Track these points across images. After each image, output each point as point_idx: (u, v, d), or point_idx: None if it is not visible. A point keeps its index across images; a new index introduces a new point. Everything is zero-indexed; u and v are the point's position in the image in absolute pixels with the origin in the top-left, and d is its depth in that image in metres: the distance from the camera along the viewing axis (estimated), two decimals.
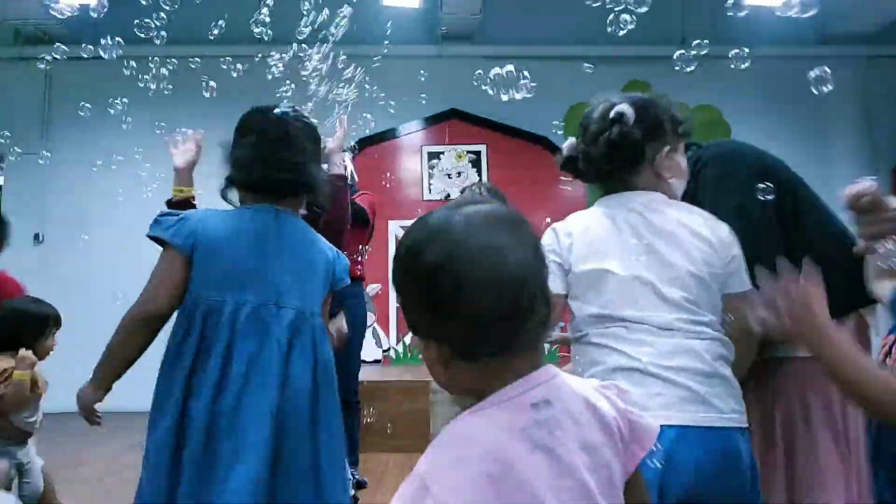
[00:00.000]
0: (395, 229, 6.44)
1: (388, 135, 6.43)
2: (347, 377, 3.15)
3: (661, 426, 0.97)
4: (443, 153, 6.32)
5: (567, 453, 0.67)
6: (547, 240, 1.30)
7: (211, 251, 1.44)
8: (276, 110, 1.56)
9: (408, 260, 0.73)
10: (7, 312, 2.24)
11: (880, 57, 6.84)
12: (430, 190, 6.31)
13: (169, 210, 1.56)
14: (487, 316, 0.68)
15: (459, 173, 6.27)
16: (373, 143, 6.17)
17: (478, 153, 6.29)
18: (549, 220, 1.45)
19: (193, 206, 1.84)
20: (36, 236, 6.26)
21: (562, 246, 1.28)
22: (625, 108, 1.30)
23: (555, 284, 1.24)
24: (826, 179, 7.23)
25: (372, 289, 6.46)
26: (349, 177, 2.80)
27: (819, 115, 6.90)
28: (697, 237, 1.22)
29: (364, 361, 6.48)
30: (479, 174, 6.25)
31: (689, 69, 1.57)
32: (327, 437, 1.45)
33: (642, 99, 1.36)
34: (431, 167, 6.31)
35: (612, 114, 1.30)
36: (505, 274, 0.68)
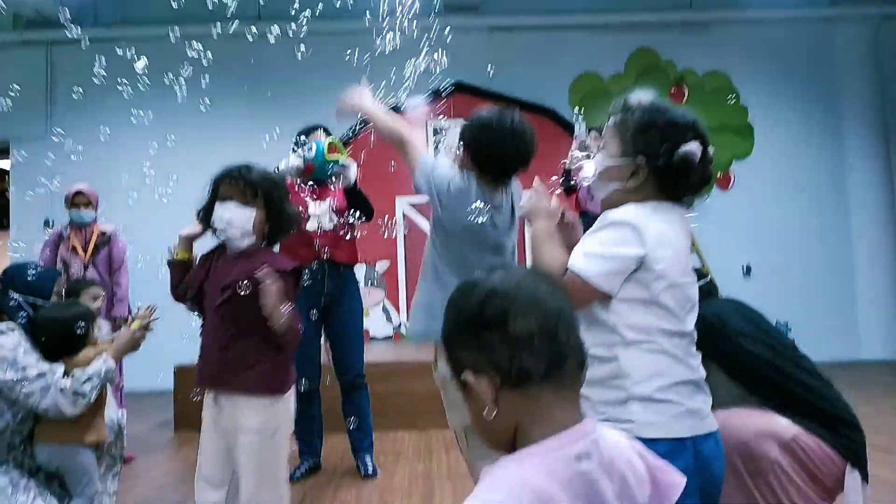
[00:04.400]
0: (404, 206, 6.42)
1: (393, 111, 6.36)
2: (351, 359, 3.17)
3: (699, 436, 1.16)
4: (448, 128, 6.26)
5: (605, 500, 0.74)
6: (628, 232, 1.22)
7: None
8: None
9: (459, 301, 0.83)
10: (48, 323, 2.24)
11: (892, 17, 6.69)
12: None
13: None
14: (533, 333, 0.76)
15: None
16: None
17: None
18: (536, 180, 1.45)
19: (183, 269, 1.99)
20: (46, 222, 6.29)
21: (647, 242, 1.21)
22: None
23: (610, 281, 1.20)
24: (837, 144, 7.13)
25: (381, 266, 6.47)
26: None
27: (830, 76, 6.78)
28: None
29: (374, 338, 6.55)
30: None
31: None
32: None
33: None
34: (437, 142, 6.26)
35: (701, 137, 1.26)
36: (544, 302, 0.79)
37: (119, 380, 3.54)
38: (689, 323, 1.24)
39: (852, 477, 1.87)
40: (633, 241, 1.20)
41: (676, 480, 0.83)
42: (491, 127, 1.84)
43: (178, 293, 1.99)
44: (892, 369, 5.90)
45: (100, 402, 2.21)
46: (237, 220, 1.86)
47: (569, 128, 6.28)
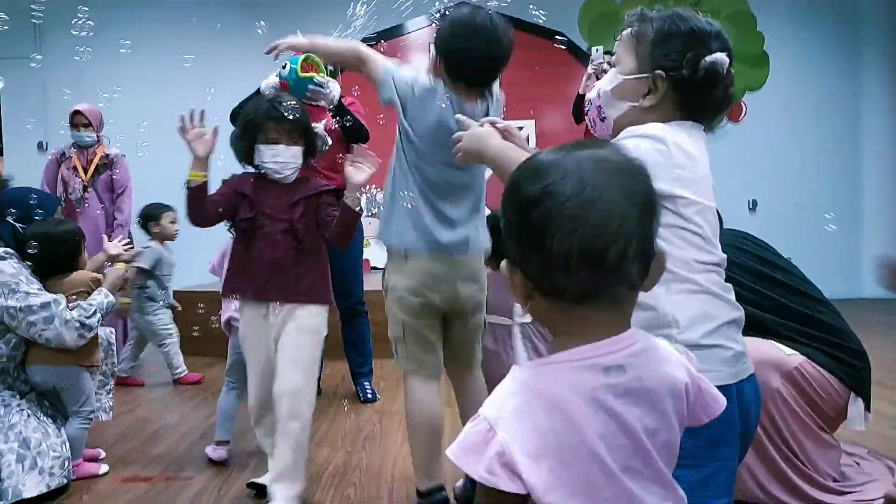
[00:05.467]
0: None
1: (394, 32, 6.13)
2: (351, 287, 3.14)
3: (742, 380, 1.08)
4: None
5: (630, 417, 0.68)
6: (655, 146, 1.07)
7: None
8: None
9: (510, 191, 0.73)
10: (38, 238, 2.17)
11: None
12: None
13: None
14: (569, 259, 0.66)
15: None
16: (378, 42, 5.89)
17: None
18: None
19: (206, 190, 1.97)
20: (40, 144, 6.17)
21: (674, 159, 1.08)
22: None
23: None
24: (854, 81, 6.90)
25: (382, 197, 6.38)
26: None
27: (852, 8, 6.49)
28: None
29: (375, 268, 6.52)
30: None
31: None
32: None
33: None
34: None
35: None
36: (596, 221, 0.66)
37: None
38: (720, 251, 1.14)
39: (855, 406, 1.86)
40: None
41: (719, 396, 0.79)
42: (462, 28, 1.73)
43: (210, 214, 1.95)
44: (892, 307, 5.90)
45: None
46: (290, 160, 1.97)
47: (578, 54, 6.06)
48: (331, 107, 2.75)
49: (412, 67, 1.82)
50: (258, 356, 2.00)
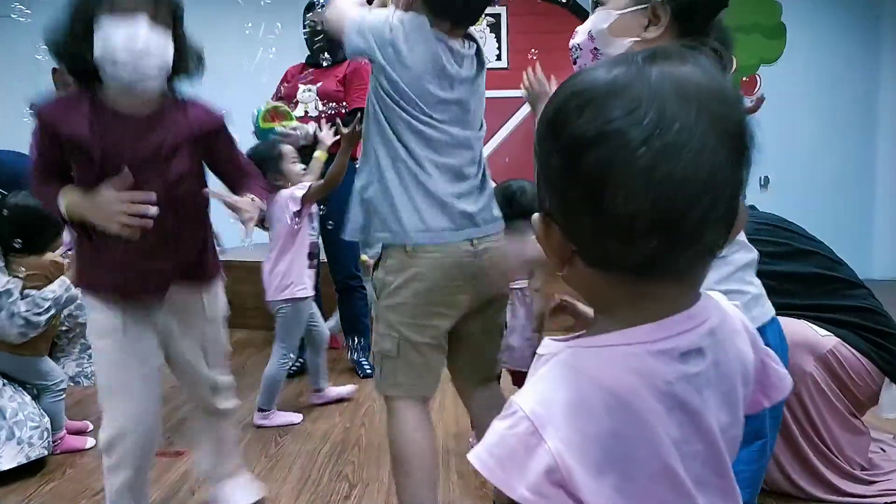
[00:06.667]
0: None
1: None
2: (343, 259, 3.01)
3: (765, 325, 0.97)
4: None
5: (708, 415, 0.52)
6: None
7: None
8: None
9: (549, 123, 0.52)
10: (14, 209, 1.99)
11: None
12: None
13: None
14: (634, 224, 0.48)
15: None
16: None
17: (497, 16, 5.79)
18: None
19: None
20: (32, 106, 6.01)
21: None
22: None
23: None
24: (873, 57, 6.69)
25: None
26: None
27: None
28: None
29: None
30: (499, 40, 5.77)
31: None
32: None
33: None
34: None
35: None
36: (679, 175, 0.47)
37: None
38: None
39: (889, 392, 1.76)
40: None
41: (786, 377, 0.63)
42: None
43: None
44: None
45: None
46: (156, 48, 1.19)
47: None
48: (304, 143, 2.58)
49: (382, 9, 1.44)
50: (135, 373, 1.45)
